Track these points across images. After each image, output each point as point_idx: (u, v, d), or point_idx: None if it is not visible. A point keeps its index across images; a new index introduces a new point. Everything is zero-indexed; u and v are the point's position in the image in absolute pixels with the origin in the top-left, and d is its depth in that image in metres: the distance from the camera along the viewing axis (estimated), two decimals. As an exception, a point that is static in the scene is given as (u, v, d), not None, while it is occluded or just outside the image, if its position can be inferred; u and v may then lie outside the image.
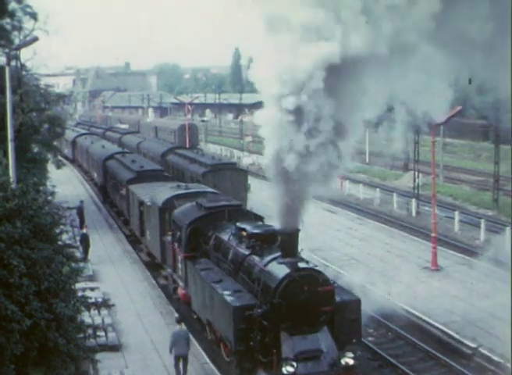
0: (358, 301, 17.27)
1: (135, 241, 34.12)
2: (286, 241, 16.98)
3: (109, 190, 44.31)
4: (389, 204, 43.62)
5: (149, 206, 28.85)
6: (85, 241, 30.27)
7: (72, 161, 68.41)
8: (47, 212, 12.79)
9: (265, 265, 17.15)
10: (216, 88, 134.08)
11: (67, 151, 71.05)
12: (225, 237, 20.55)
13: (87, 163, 58.93)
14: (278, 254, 17.24)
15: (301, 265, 16.77)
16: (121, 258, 31.07)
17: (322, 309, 16.28)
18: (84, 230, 31.01)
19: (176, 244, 23.38)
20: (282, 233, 16.98)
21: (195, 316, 21.76)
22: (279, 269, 16.63)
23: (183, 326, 18.95)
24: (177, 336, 18.46)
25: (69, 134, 67.36)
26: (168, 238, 25.01)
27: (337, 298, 16.73)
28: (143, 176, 35.94)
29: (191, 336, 19.45)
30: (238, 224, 20.12)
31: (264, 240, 18.44)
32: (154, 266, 29.28)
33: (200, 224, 21.97)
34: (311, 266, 16.91)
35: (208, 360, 19.58)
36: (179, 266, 23.29)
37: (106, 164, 45.60)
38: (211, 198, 23.93)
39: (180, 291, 23.40)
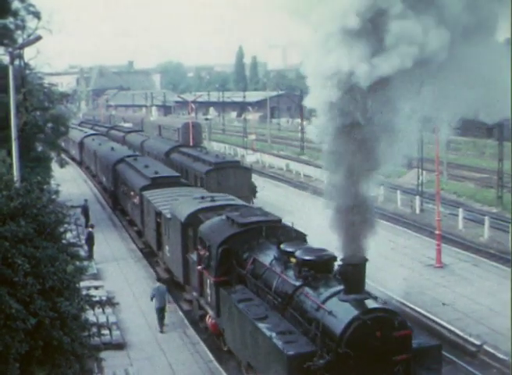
0: (439, 347, 14.67)
1: (150, 253, 31.38)
2: (350, 273, 14.00)
3: (120, 196, 41.04)
4: (392, 201, 43.56)
5: (169, 219, 25.68)
6: (90, 239, 30.31)
7: (80, 163, 65.76)
8: (51, 211, 12.79)
9: (324, 301, 14.31)
10: (220, 86, 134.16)
11: (74, 152, 68.93)
12: (265, 260, 17.53)
13: (94, 166, 55.31)
14: (338, 287, 14.54)
15: (370, 304, 13.87)
16: (125, 257, 31.09)
17: (397, 358, 13.58)
18: (90, 229, 31.01)
19: (203, 265, 20.19)
20: (346, 263, 14.08)
21: (225, 348, 19.26)
22: (344, 310, 13.76)
23: (162, 284, 22.97)
24: (157, 291, 22.23)
25: (76, 135, 66.32)
26: (193, 257, 21.77)
27: (414, 344, 13.96)
28: (158, 183, 32.83)
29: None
30: (282, 246, 17.18)
31: (318, 268, 15.52)
32: (174, 285, 26.19)
33: (234, 243, 18.87)
34: (381, 304, 14.08)
35: (212, 358, 19.60)
36: (208, 291, 19.99)
37: (116, 168, 42.34)
38: (244, 212, 20.47)
39: (209, 321, 20.24)
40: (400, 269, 27.25)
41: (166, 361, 19.50)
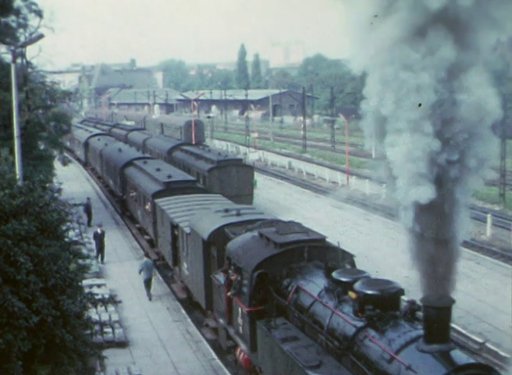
0: None
1: (164, 265, 29.10)
2: (434, 318, 11.20)
3: (129, 202, 38.68)
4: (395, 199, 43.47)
5: (188, 234, 23.02)
6: (99, 240, 30.21)
7: (85, 164, 63.85)
8: (53, 209, 12.79)
9: (398, 351, 11.65)
10: (222, 84, 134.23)
11: (79, 152, 67.29)
12: (312, 290, 14.84)
13: (100, 168, 52.84)
14: (413, 332, 11.89)
15: (460, 357, 11.16)
16: (128, 255, 31.11)
17: None
18: (99, 230, 30.54)
19: (234, 291, 17.28)
20: (430, 306, 11.19)
21: None
22: (428, 365, 11.08)
23: (149, 258, 26.34)
24: (144, 265, 25.31)
25: (82, 134, 65.54)
26: (220, 279, 18.75)
27: None
28: (171, 189, 30.59)
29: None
30: (335, 275, 14.35)
31: (384, 305, 12.84)
32: (192, 305, 24.13)
33: (271, 267, 16.13)
34: (473, 358, 11.61)
35: (215, 356, 19.62)
36: (239, 321, 17.24)
37: (124, 172, 39.91)
38: (281, 229, 17.50)
39: (241, 356, 17.58)
40: (402, 267, 27.22)
41: (169, 359, 19.52)
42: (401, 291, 13.26)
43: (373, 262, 28.07)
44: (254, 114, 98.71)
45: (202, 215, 23.08)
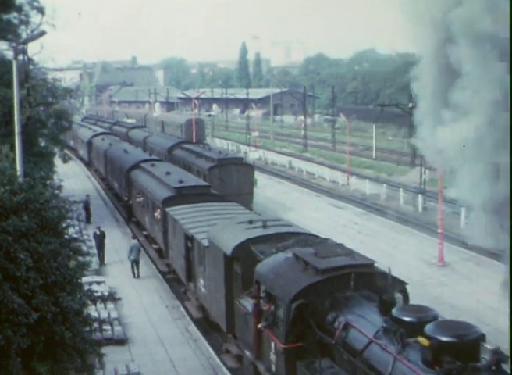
0: None
1: (175, 279, 26.76)
2: None
3: (135, 208, 36.42)
4: (395, 199, 43.58)
5: (205, 247, 20.64)
6: (98, 240, 30.03)
7: (88, 164, 62.11)
8: (54, 206, 12.80)
9: None
10: (223, 83, 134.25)
11: (82, 152, 65.68)
12: (365, 329, 12.27)
13: (104, 169, 50.44)
14: None
15: None
16: (127, 253, 31.07)
17: None
18: (97, 231, 30.26)
19: (266, 323, 14.83)
20: None
21: None
22: None
23: (137, 241, 28.91)
24: (133, 247, 27.57)
25: (85, 134, 64.71)
26: (247, 305, 16.38)
27: None
28: (183, 195, 28.22)
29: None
30: (395, 313, 11.80)
31: (462, 354, 10.57)
32: (208, 325, 22.08)
33: (312, 297, 13.66)
34: None
35: (214, 355, 19.62)
36: (272, 357, 14.70)
37: (131, 175, 37.67)
38: (320, 250, 14.90)
39: None
40: (401, 268, 27.21)
41: (168, 357, 19.52)
42: (482, 337, 11.20)
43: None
44: (255, 113, 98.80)
45: (223, 226, 20.55)
